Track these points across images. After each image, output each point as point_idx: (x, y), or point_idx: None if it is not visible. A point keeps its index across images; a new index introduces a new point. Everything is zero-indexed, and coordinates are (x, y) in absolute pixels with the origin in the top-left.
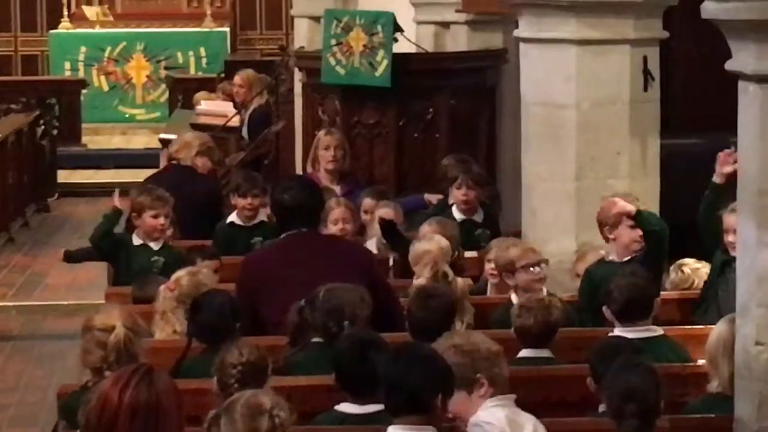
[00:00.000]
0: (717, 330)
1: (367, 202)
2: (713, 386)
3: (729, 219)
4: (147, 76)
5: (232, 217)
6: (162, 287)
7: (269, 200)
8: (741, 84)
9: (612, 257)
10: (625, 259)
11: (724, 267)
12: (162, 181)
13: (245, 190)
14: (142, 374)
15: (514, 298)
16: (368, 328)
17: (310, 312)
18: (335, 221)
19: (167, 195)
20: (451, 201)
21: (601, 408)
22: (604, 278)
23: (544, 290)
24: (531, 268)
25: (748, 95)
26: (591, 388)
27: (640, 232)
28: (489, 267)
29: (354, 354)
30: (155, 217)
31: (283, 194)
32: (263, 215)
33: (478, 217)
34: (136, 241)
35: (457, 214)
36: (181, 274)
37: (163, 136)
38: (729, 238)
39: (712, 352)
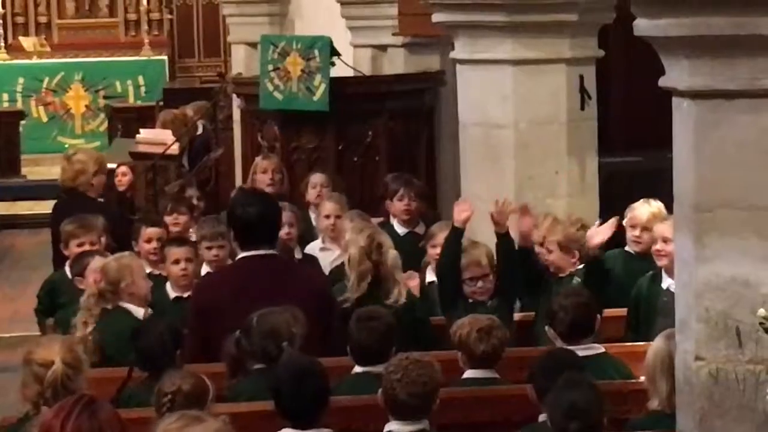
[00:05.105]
0: (654, 347)
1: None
2: (654, 404)
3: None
4: (86, 106)
5: None
6: (91, 279)
7: (228, 215)
8: (675, 100)
9: None
10: None
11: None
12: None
13: (171, 209)
14: (84, 404)
15: None
16: (304, 346)
17: (246, 340)
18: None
19: (92, 220)
20: (391, 215)
21: (541, 418)
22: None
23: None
24: (474, 282)
25: (681, 111)
26: (531, 399)
27: None
28: (433, 252)
29: (292, 382)
30: (80, 245)
31: (246, 208)
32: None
33: (420, 230)
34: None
35: (399, 228)
36: (106, 260)
37: None
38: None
39: (650, 370)
